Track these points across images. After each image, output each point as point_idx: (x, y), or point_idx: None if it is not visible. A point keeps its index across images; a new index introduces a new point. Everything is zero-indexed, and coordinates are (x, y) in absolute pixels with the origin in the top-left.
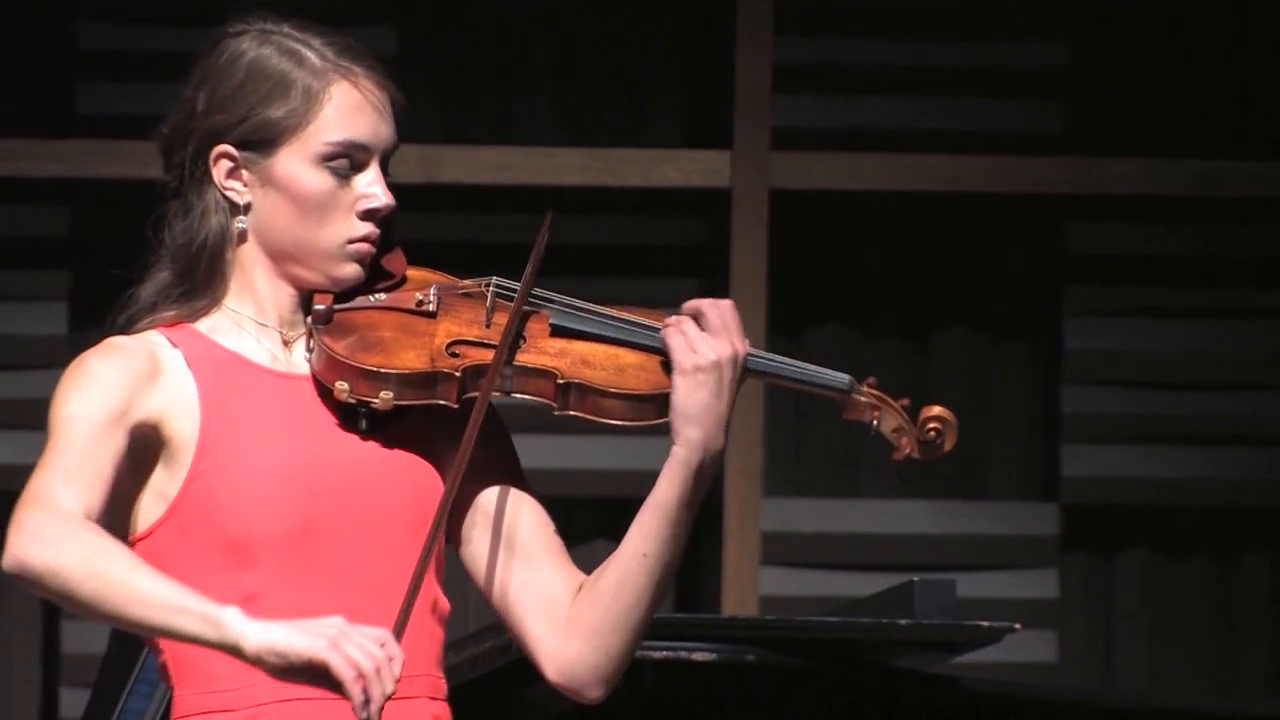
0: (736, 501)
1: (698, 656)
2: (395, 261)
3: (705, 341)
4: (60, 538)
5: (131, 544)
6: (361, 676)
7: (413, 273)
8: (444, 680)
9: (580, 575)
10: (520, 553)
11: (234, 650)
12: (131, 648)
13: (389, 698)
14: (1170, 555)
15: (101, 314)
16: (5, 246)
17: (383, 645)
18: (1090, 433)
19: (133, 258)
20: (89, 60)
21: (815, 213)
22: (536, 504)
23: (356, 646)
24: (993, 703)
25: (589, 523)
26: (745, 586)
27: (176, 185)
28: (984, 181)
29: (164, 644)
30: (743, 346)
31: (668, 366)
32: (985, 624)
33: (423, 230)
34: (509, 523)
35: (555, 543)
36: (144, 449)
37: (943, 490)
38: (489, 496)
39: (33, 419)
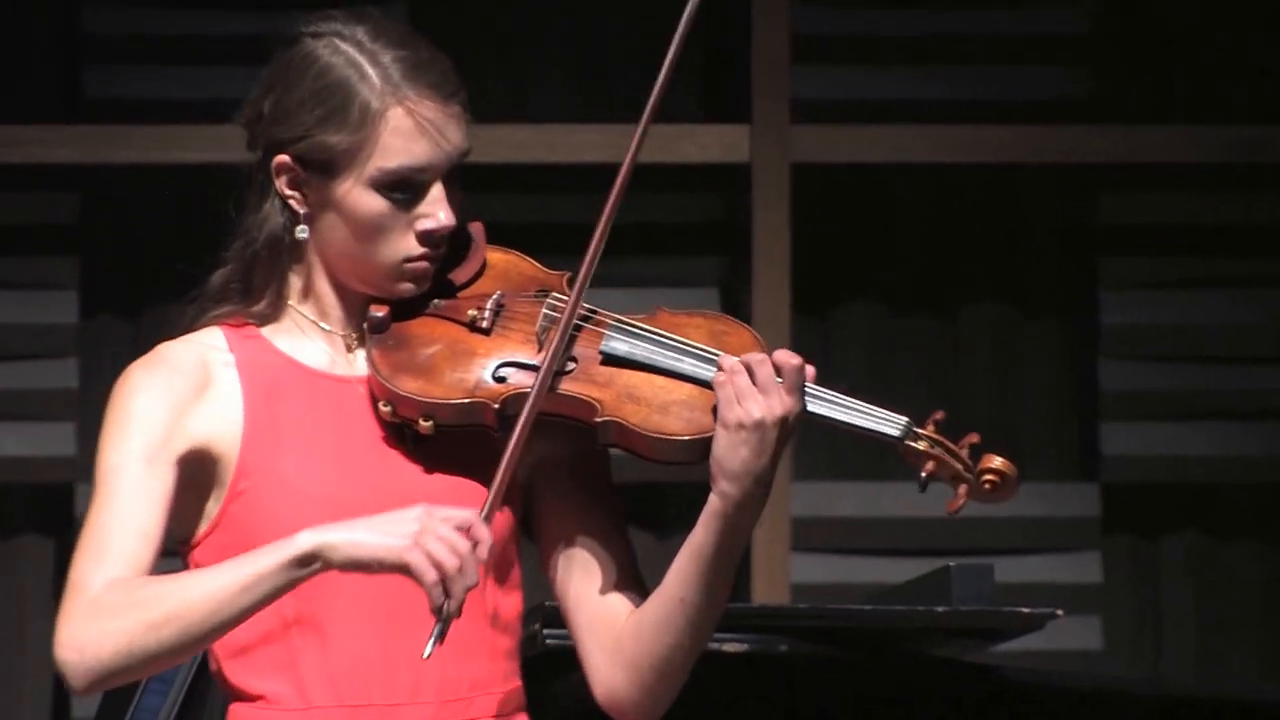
0: None
1: (729, 647)
2: (468, 255)
3: (753, 398)
4: (103, 625)
5: (183, 550)
6: (442, 577)
7: (494, 257)
8: (516, 688)
9: (638, 601)
10: (585, 565)
11: (323, 568)
12: None
13: (471, 589)
14: (1217, 535)
15: (112, 301)
16: (14, 234)
17: (468, 530)
18: (1130, 410)
19: (142, 243)
20: (97, 45)
21: (838, 187)
22: (613, 517)
23: (439, 540)
24: (1035, 692)
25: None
26: (775, 574)
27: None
28: (1013, 152)
29: (220, 655)
30: (794, 405)
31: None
32: (1026, 610)
33: None
34: (581, 533)
35: (623, 561)
36: (195, 467)
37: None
38: (569, 503)
39: (44, 409)
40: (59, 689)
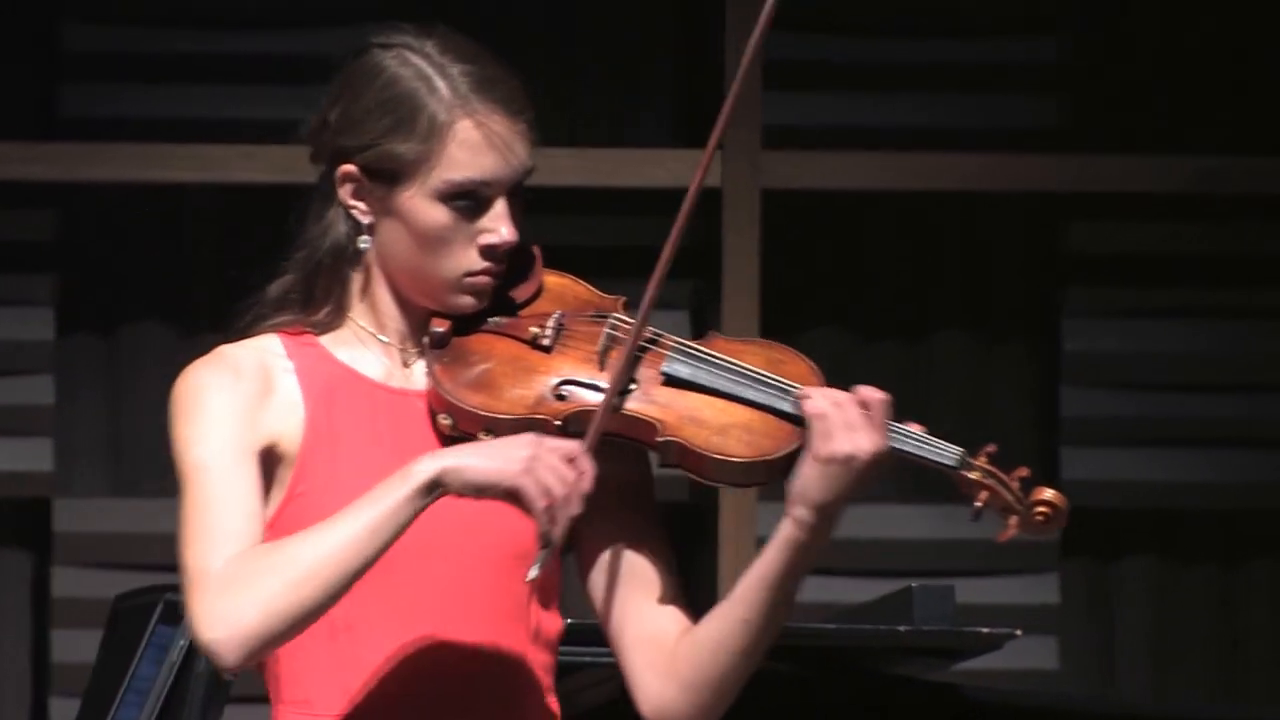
0: (731, 507)
1: None
2: (527, 275)
3: (847, 434)
4: (240, 597)
5: None
6: (551, 504)
7: (550, 280)
8: (554, 702)
9: (687, 621)
10: (635, 584)
11: (442, 494)
12: (122, 657)
13: (574, 518)
14: (1173, 560)
15: (88, 318)
16: None
17: (573, 461)
18: (1090, 436)
19: (119, 261)
20: (73, 62)
21: (809, 213)
22: (661, 538)
23: (549, 470)
24: (993, 710)
25: None
26: None
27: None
28: (981, 180)
29: (278, 657)
30: (882, 443)
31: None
32: (985, 630)
33: None
34: (630, 553)
35: (671, 579)
36: (264, 465)
37: (941, 495)
38: (615, 523)
39: (20, 425)
40: (38, 701)
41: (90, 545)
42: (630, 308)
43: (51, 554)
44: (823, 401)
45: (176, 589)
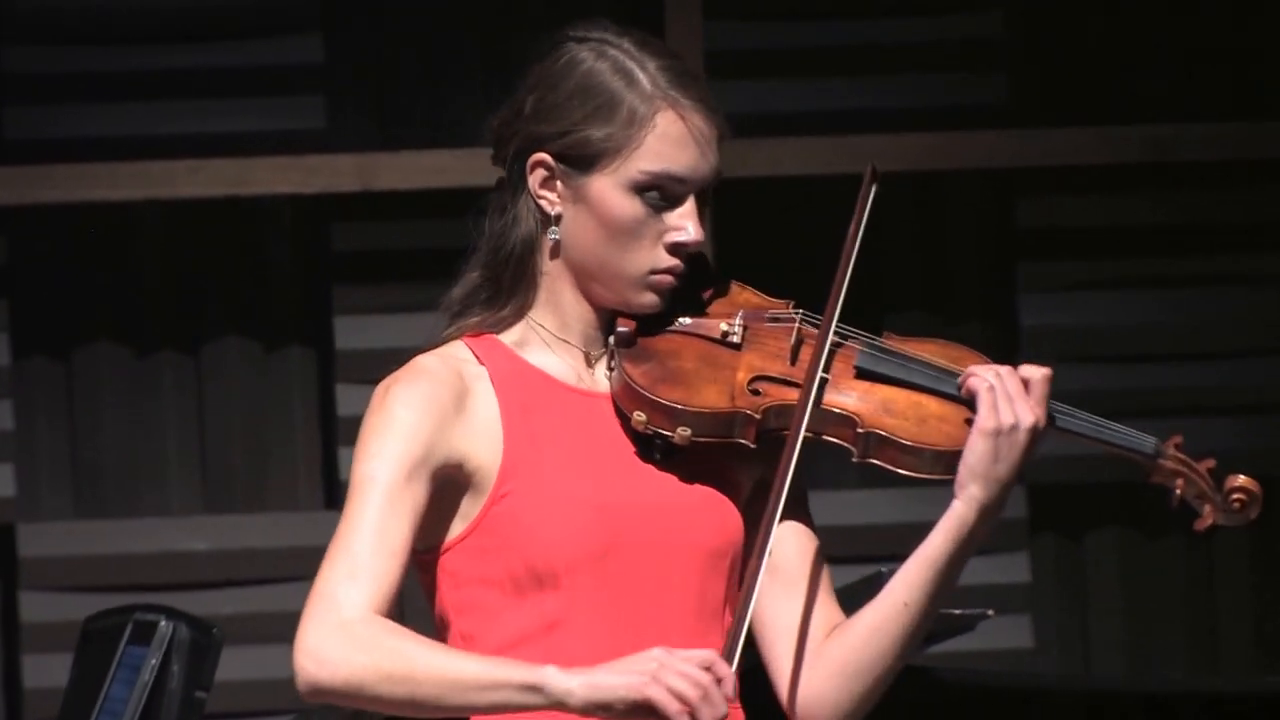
0: None
1: None
2: (704, 278)
3: (1009, 405)
4: (349, 652)
5: (431, 557)
6: (687, 708)
7: (722, 284)
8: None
9: (837, 612)
10: (781, 578)
11: (560, 708)
12: (94, 680)
13: None
14: (1142, 532)
15: (44, 341)
16: None
17: (708, 668)
18: None
19: (72, 283)
20: (17, 84)
21: (754, 200)
22: (811, 532)
23: (678, 675)
24: (969, 692)
25: None
26: None
27: (503, 178)
28: (929, 159)
29: (483, 653)
30: (1043, 416)
31: (971, 420)
32: (957, 612)
33: (361, 239)
34: (778, 547)
35: (819, 574)
36: (446, 482)
37: (905, 477)
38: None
39: None
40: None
41: (57, 569)
42: (801, 309)
43: (18, 579)
44: (987, 374)
45: (146, 609)
